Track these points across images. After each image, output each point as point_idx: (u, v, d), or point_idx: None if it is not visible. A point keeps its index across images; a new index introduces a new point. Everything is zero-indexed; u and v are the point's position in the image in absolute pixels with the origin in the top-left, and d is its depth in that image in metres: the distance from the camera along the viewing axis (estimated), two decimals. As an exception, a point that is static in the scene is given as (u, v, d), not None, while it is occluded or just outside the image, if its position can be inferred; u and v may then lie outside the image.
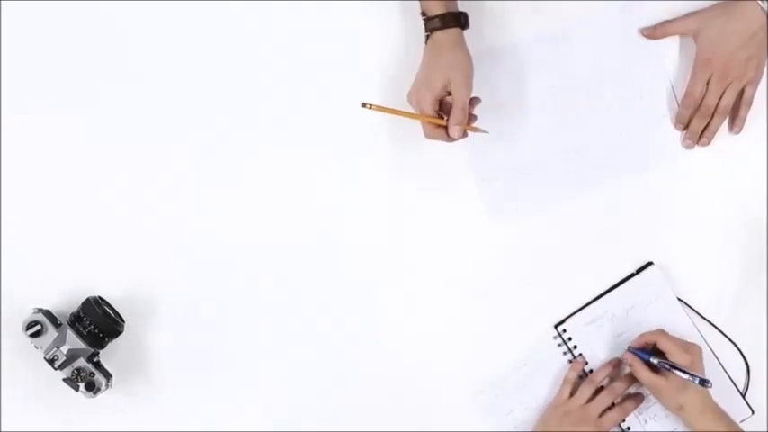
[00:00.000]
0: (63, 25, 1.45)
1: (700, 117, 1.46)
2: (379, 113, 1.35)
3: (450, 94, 1.36)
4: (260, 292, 1.45)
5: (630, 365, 1.41)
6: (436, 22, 1.36)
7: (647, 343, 1.41)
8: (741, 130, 1.47)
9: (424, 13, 1.38)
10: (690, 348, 1.38)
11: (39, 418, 1.43)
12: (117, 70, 1.45)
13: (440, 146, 1.42)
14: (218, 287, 1.44)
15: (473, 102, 1.40)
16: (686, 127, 1.47)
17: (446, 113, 1.36)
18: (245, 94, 1.45)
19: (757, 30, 1.41)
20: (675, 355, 1.37)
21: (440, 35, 1.37)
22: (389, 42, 1.46)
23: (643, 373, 1.39)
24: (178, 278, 1.44)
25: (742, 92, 1.45)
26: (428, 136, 1.38)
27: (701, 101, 1.45)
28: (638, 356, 1.40)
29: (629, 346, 1.42)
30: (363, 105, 1.35)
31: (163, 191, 1.45)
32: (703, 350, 1.40)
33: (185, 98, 1.45)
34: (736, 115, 1.46)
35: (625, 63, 1.47)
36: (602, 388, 1.43)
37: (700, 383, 1.33)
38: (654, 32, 1.47)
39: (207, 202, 1.45)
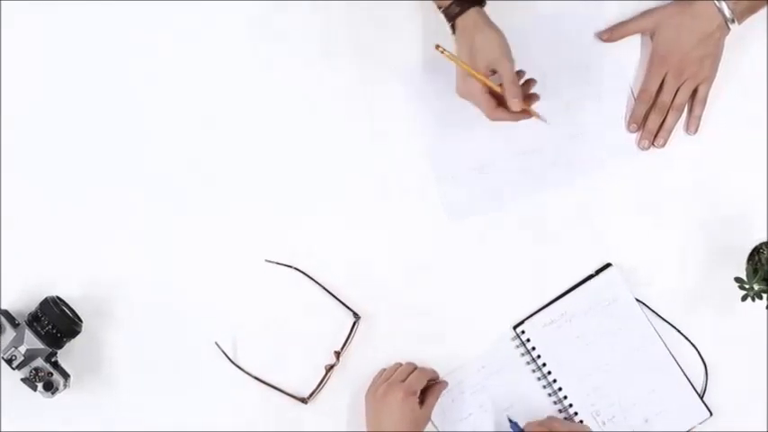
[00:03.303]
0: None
1: (655, 114, 1.46)
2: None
3: (495, 73, 1.34)
4: (219, 291, 1.45)
5: None
6: (454, 8, 1.35)
7: None
8: (697, 130, 1.47)
9: (440, 6, 1.37)
10: None
11: (-4, 417, 1.44)
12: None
13: (402, 145, 1.43)
14: (176, 287, 1.45)
15: (530, 82, 1.39)
16: (641, 125, 1.47)
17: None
18: (219, 101, 1.47)
19: (714, 29, 1.42)
20: None
21: (462, 20, 1.35)
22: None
23: None
24: (136, 278, 1.45)
25: (696, 91, 1.45)
26: (492, 117, 1.35)
27: (656, 97, 1.45)
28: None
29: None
30: (437, 47, 1.34)
31: (122, 191, 1.45)
32: (661, 352, 1.41)
33: (167, 101, 1.47)
34: (691, 114, 1.47)
35: (583, 63, 1.48)
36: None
37: None
38: (611, 35, 1.47)
39: (166, 203, 1.46)
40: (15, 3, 1.46)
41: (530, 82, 1.39)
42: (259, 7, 1.47)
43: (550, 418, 1.41)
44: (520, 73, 1.38)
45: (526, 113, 1.36)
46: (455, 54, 1.36)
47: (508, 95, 1.34)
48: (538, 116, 1.37)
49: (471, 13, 1.35)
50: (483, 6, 1.36)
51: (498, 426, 1.44)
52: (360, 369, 1.44)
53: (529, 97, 1.37)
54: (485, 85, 1.34)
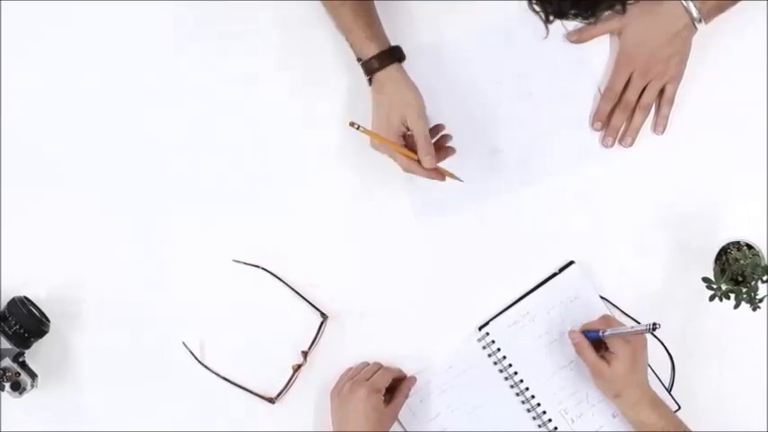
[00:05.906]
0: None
1: (620, 111, 1.46)
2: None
3: (409, 129, 1.37)
4: (186, 292, 1.45)
5: (576, 345, 1.39)
6: (374, 64, 1.38)
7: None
8: (664, 130, 1.47)
9: (359, 59, 1.40)
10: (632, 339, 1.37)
11: (-37, 417, 1.44)
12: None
13: (369, 146, 1.45)
14: (143, 287, 1.45)
15: (445, 138, 1.41)
16: (605, 123, 1.47)
17: (412, 148, 1.37)
18: (186, 106, 1.48)
19: (681, 29, 1.43)
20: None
21: (381, 75, 1.38)
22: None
23: (588, 354, 1.38)
24: (103, 279, 1.45)
25: (664, 91, 1.46)
26: (405, 169, 1.38)
27: (622, 95, 1.46)
28: (585, 336, 1.39)
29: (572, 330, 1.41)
30: (351, 125, 1.36)
31: (89, 193, 1.46)
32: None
33: (135, 105, 1.48)
34: (658, 114, 1.47)
35: (551, 64, 1.48)
36: None
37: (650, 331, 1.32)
38: (580, 36, 1.48)
39: (133, 204, 1.46)
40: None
41: (445, 137, 1.41)
42: (221, 15, 1.48)
43: (606, 320, 1.39)
44: (438, 127, 1.40)
45: (438, 172, 1.37)
46: (372, 106, 1.39)
47: (421, 154, 1.36)
48: (452, 175, 1.39)
49: (391, 69, 1.38)
50: (402, 63, 1.39)
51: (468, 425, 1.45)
52: (327, 369, 1.45)
53: (445, 151, 1.40)
54: (396, 150, 1.37)
